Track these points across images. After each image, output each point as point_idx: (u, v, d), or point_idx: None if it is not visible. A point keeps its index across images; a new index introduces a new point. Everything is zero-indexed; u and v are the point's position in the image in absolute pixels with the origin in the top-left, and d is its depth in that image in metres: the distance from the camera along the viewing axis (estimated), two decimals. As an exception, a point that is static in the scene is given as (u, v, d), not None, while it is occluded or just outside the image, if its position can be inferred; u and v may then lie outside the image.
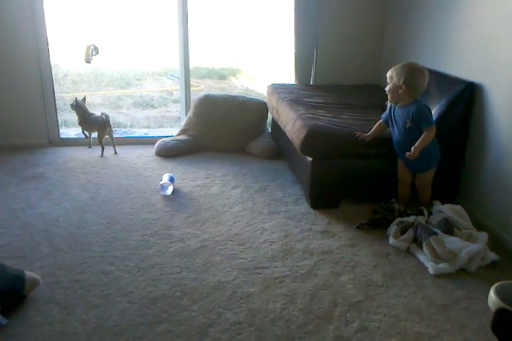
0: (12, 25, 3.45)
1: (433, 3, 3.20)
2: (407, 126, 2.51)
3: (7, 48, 3.49)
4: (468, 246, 2.23)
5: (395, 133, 2.63)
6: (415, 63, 2.54)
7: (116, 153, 3.66)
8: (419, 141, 2.46)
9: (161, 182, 2.98)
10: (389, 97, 2.57)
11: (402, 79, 2.46)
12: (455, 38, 2.93)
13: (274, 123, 3.73)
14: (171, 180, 3.03)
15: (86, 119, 3.68)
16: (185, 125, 3.91)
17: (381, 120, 2.74)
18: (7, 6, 3.39)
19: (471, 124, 2.76)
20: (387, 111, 2.69)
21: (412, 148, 2.46)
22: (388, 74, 2.54)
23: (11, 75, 3.57)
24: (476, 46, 2.71)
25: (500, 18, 2.50)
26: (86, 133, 3.75)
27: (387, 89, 2.55)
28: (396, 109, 2.60)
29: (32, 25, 3.47)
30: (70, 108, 3.79)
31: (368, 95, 3.67)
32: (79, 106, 3.68)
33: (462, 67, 2.84)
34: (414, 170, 2.67)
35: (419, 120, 2.46)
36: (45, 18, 3.51)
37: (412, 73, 2.46)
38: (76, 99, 3.68)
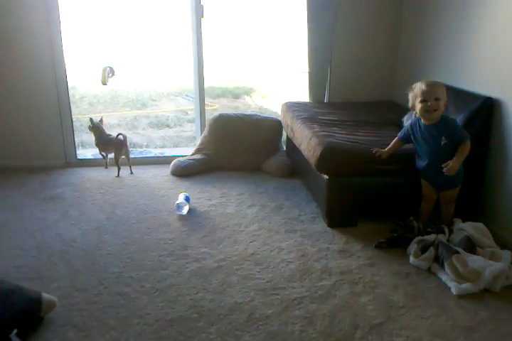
0: (30, 48, 3.53)
1: (448, 19, 3.19)
2: (442, 143, 2.45)
3: (25, 71, 3.56)
4: (492, 265, 2.17)
5: (424, 151, 2.56)
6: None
7: (132, 173, 3.68)
8: (458, 154, 2.42)
9: (177, 202, 2.98)
10: (430, 115, 2.45)
11: (445, 97, 2.45)
12: (471, 52, 2.91)
13: (289, 141, 3.72)
14: (187, 199, 3.02)
15: (103, 140, 3.72)
16: (200, 144, 3.93)
17: (397, 138, 2.71)
18: (25, 30, 3.47)
19: (490, 140, 2.72)
20: (407, 128, 2.65)
21: (450, 162, 2.40)
22: (428, 89, 2.43)
23: (29, 98, 3.63)
24: (493, 60, 2.69)
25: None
26: (103, 153, 3.79)
27: (435, 106, 2.42)
28: (422, 127, 2.54)
29: (49, 49, 3.55)
30: (87, 129, 3.85)
31: (383, 112, 3.66)
32: (96, 128, 3.73)
33: (479, 82, 2.81)
34: (440, 188, 2.60)
35: (455, 135, 2.43)
36: (63, 41, 3.58)
37: (446, 90, 2.47)
38: (92, 120, 3.73)
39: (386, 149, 2.69)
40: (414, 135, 2.60)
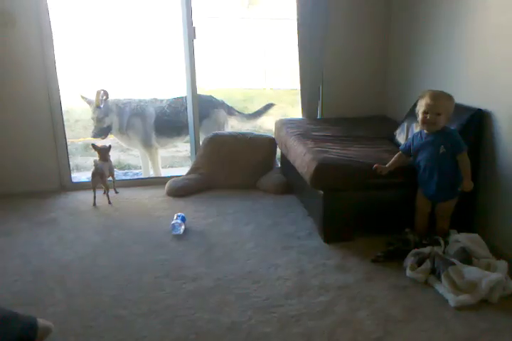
0: (23, 72, 3.54)
1: (437, 32, 3.23)
2: (441, 151, 2.47)
3: (19, 95, 3.57)
4: (488, 276, 2.17)
5: (423, 158, 2.58)
6: (442, 91, 2.53)
7: (110, 203, 3.49)
8: (462, 171, 2.48)
9: (172, 222, 2.97)
10: (428, 127, 2.50)
11: (449, 110, 2.47)
12: (460, 65, 2.95)
13: (284, 159, 3.74)
14: (183, 219, 3.02)
15: None
16: (194, 163, 3.94)
17: (400, 151, 2.72)
18: (19, 53, 3.49)
19: (481, 151, 2.74)
20: (410, 141, 2.67)
21: (464, 182, 2.48)
22: (432, 103, 2.44)
23: (23, 122, 3.64)
24: (483, 72, 2.72)
25: (507, 44, 2.51)
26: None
27: (433, 120, 2.45)
28: (423, 135, 2.56)
29: (43, 73, 3.57)
30: (81, 152, 3.85)
31: (376, 126, 3.69)
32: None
33: (469, 94, 2.83)
34: (433, 198, 2.61)
35: (455, 146, 2.45)
36: (56, 65, 3.61)
37: (451, 102, 2.48)
38: (94, 145, 3.64)
39: (387, 165, 2.69)
40: (414, 144, 2.61)
